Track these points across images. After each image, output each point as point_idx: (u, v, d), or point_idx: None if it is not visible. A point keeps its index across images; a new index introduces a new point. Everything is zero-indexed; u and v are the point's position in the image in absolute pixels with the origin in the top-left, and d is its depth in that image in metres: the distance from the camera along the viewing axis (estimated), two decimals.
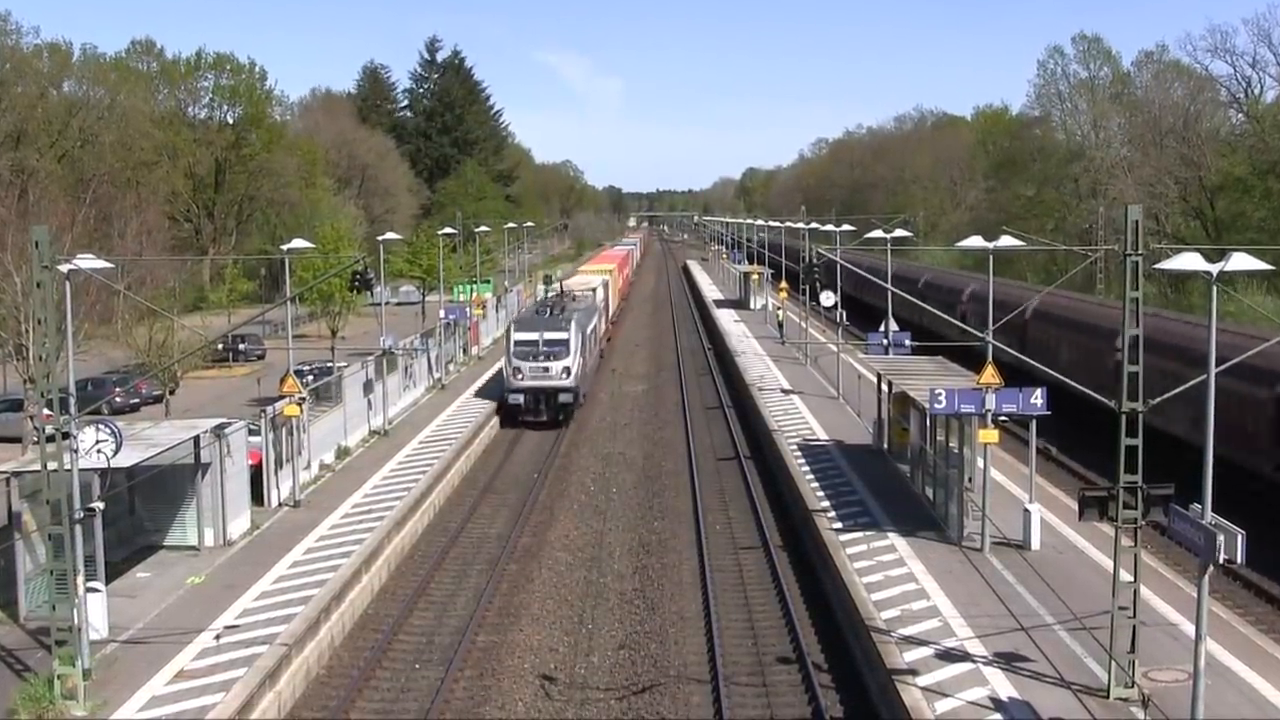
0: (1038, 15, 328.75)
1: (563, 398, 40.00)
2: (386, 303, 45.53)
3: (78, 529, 17.76)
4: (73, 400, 18.31)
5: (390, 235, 48.02)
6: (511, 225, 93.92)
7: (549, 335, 40.33)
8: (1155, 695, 15.64)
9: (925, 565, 21.96)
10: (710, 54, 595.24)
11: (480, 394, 43.69)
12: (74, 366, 20.29)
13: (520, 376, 39.87)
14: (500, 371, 43.37)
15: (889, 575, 21.46)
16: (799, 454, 32.24)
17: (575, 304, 48.51)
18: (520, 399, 39.89)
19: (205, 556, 23.55)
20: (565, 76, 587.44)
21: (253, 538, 24.99)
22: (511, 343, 40.81)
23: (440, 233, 65.05)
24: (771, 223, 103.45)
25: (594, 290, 58.56)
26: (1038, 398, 21.46)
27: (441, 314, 51.17)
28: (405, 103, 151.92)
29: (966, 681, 16.58)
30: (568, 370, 39.92)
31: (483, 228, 76.28)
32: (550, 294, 55.30)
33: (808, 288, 49.84)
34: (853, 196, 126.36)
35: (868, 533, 24.25)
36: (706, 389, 50.41)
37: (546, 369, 39.73)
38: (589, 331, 45.20)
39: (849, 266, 36.83)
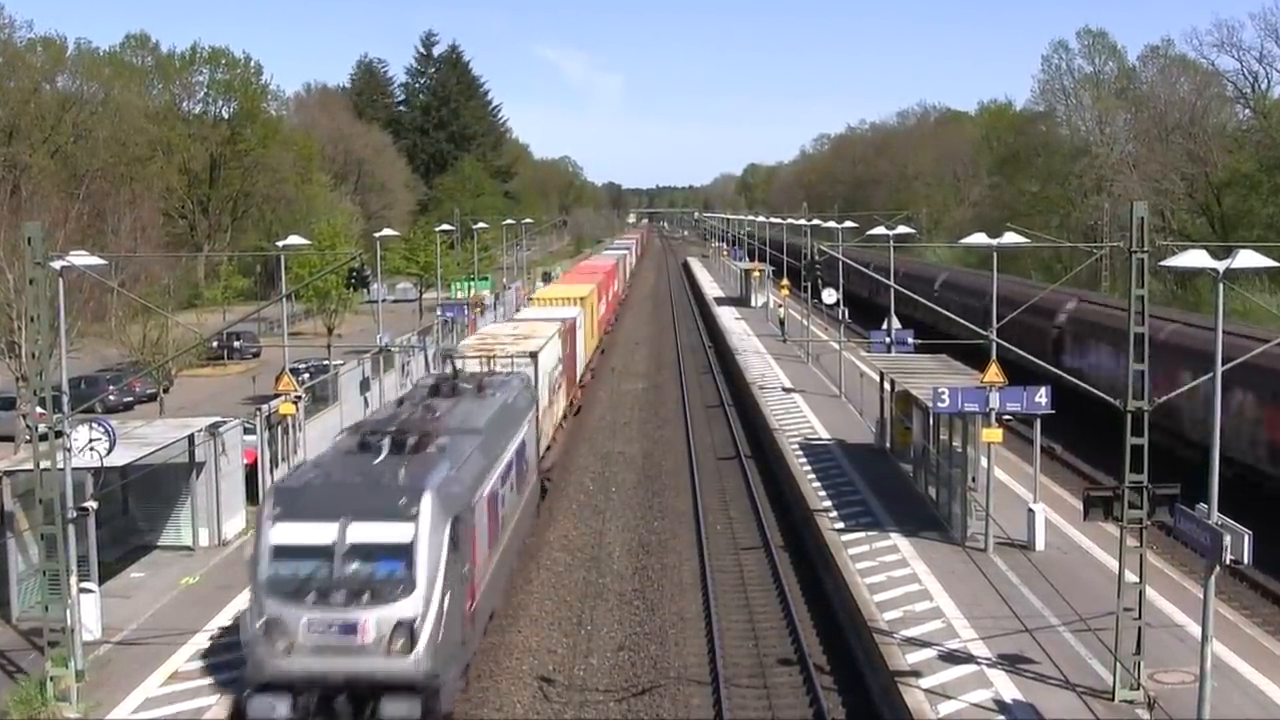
0: (1042, 9, 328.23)
1: (391, 710, 15.15)
2: (383, 300, 45.31)
3: (71, 529, 17.71)
4: (66, 398, 18.36)
5: (387, 232, 47.87)
6: (510, 222, 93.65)
7: (364, 533, 15.64)
8: (1161, 697, 15.50)
9: (928, 566, 21.79)
10: (711, 49, 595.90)
11: None
12: (67, 364, 20.30)
13: (284, 646, 15.13)
14: None
15: (891, 576, 21.30)
16: (800, 453, 32.05)
17: (475, 403, 22.27)
18: (280, 710, 15.10)
19: (200, 557, 23.38)
20: (565, 72, 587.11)
21: (248, 538, 24.73)
22: (265, 551, 15.68)
23: (438, 229, 64.90)
24: (773, 219, 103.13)
25: (533, 355, 29.74)
26: (1042, 396, 21.34)
27: (439, 311, 50.95)
28: (402, 97, 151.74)
29: (970, 683, 16.44)
30: (410, 631, 15.26)
31: (480, 224, 76.14)
32: (440, 372, 26.62)
33: (809, 285, 49.51)
34: (855, 193, 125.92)
35: (870, 533, 24.08)
36: (707, 387, 50.18)
37: (350, 627, 15.16)
38: (492, 490, 19.57)
39: (856, 267, 36.48)
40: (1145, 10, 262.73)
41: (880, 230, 34.96)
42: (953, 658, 17.30)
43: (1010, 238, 24.56)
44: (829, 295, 47.01)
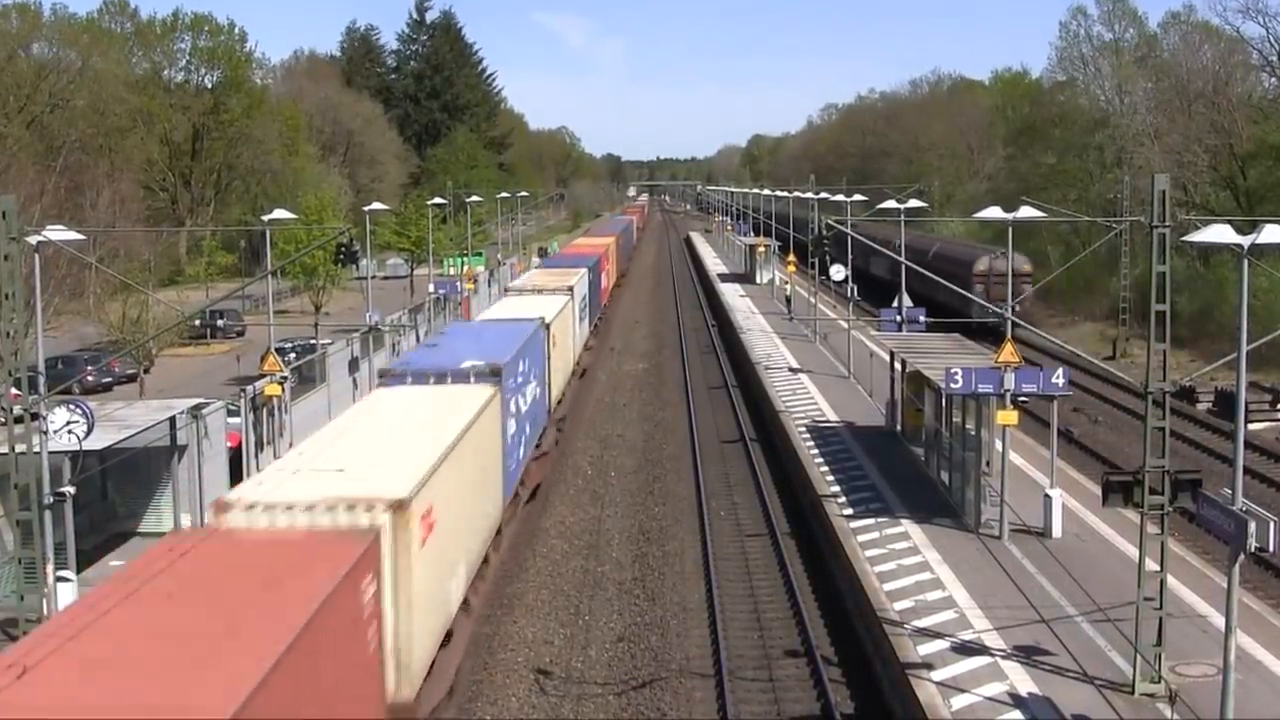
0: None
1: None
2: (373, 276, 44.78)
3: (47, 515, 17.56)
4: (42, 379, 18.50)
5: (377, 205, 47.26)
6: (505, 195, 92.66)
7: None
8: (1183, 690, 15.16)
9: (940, 554, 21.32)
10: (716, 15, 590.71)
11: None
12: (43, 344, 20.08)
13: None
14: None
15: (902, 564, 20.86)
16: (807, 436, 31.51)
17: None
18: None
19: None
20: (562, 38, 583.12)
21: None
22: None
23: (430, 203, 64.24)
24: (779, 193, 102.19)
25: None
26: (1059, 377, 21.03)
27: (431, 288, 50.39)
28: (393, 66, 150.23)
29: (984, 676, 16.09)
30: None
31: (474, 197, 75.46)
32: None
33: (817, 261, 48.54)
34: (864, 165, 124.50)
35: (880, 519, 23.61)
36: (710, 367, 49.68)
37: None
38: None
39: (877, 247, 35.50)
40: None
41: (891, 204, 34.21)
42: (966, 650, 16.93)
43: (1027, 212, 23.91)
44: (836, 271, 46.12)
